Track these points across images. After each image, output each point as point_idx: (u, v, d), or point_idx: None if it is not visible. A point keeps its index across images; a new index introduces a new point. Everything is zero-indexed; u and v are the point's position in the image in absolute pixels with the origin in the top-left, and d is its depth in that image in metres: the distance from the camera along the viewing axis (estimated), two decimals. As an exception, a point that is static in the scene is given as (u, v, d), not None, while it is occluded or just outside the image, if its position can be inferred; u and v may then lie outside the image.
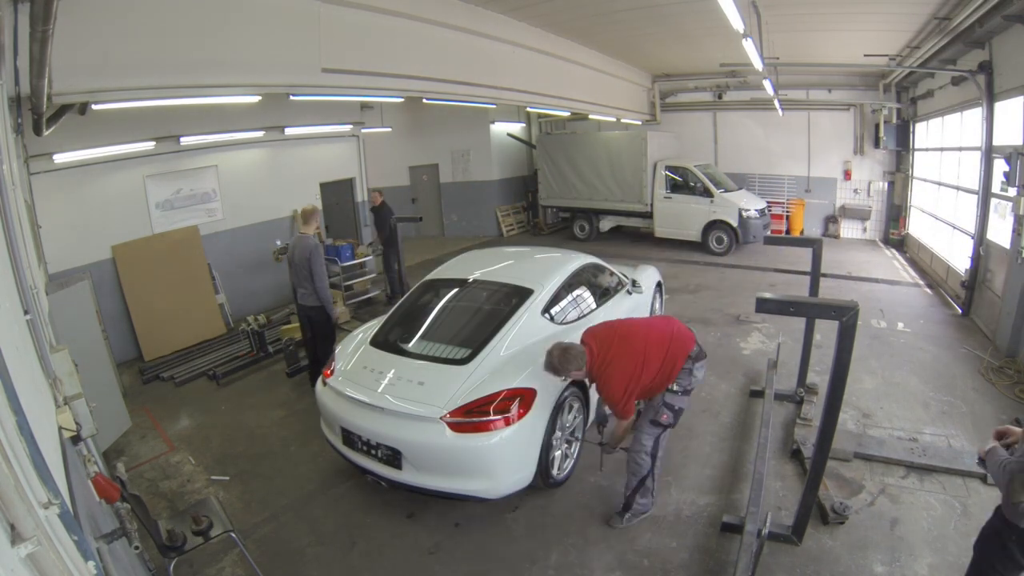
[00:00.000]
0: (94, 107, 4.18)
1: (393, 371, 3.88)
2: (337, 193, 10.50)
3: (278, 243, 8.75)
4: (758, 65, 6.80)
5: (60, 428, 2.10)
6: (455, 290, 4.74)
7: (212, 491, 4.29)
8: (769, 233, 11.09)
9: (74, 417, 2.28)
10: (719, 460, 4.30)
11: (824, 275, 6.00)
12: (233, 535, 3.09)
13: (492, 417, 3.45)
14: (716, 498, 3.85)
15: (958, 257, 7.91)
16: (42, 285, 4.13)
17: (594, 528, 3.63)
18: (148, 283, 7.21)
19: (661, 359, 3.40)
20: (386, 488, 4.19)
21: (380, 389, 3.75)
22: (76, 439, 2.31)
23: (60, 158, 6.16)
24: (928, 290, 8.57)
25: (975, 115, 7.24)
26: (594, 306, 4.91)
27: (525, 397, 3.57)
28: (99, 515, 2.27)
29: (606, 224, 13.28)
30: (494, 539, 3.60)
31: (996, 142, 6.66)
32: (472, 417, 3.45)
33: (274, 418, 5.44)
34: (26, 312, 2.18)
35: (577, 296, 4.82)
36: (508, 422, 3.46)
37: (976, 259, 6.99)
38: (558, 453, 3.97)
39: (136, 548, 2.39)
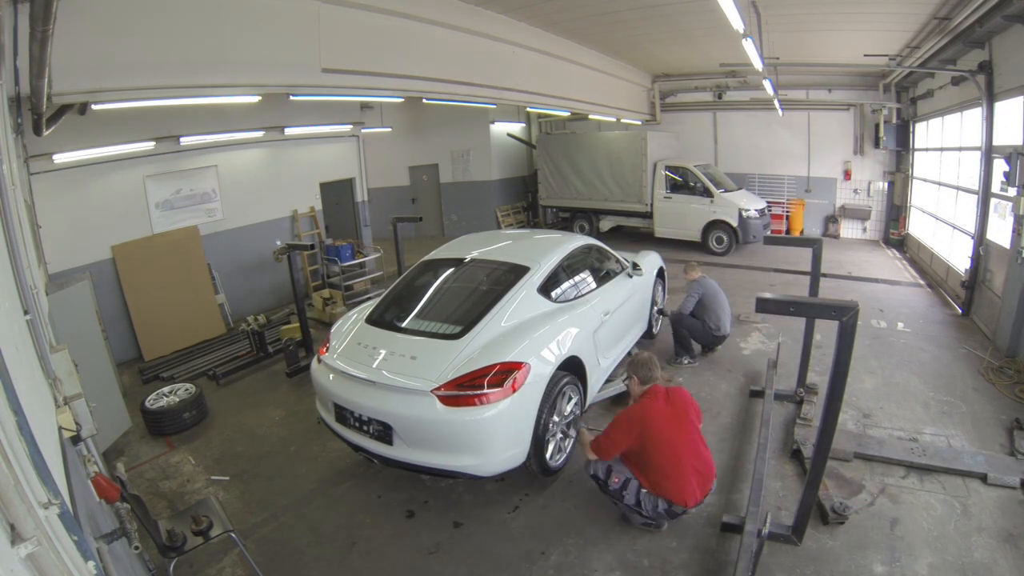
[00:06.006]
0: (94, 107, 4.18)
1: (387, 347, 3.89)
2: (337, 193, 10.50)
3: (278, 243, 8.75)
4: (758, 65, 6.80)
5: (60, 428, 2.10)
6: (452, 269, 4.77)
7: (212, 491, 4.29)
8: (769, 233, 11.09)
9: (74, 417, 2.29)
10: (719, 460, 4.28)
11: (824, 275, 6.01)
12: (233, 535, 3.09)
13: (483, 390, 3.44)
14: (716, 498, 3.84)
15: (958, 257, 7.91)
16: (42, 285, 4.13)
17: (594, 528, 3.62)
18: (148, 283, 7.21)
19: (666, 462, 3.29)
20: (378, 467, 4.20)
21: (374, 364, 3.76)
22: (76, 439, 2.31)
23: (60, 158, 6.16)
24: (928, 290, 8.57)
25: (975, 115, 7.23)
26: (593, 286, 4.94)
27: (518, 372, 3.56)
28: (99, 515, 2.27)
29: (606, 224, 13.29)
30: (494, 539, 3.60)
31: (996, 142, 6.66)
32: (463, 391, 3.45)
33: (274, 418, 5.44)
34: (26, 312, 2.18)
35: (576, 276, 4.85)
36: (500, 396, 3.46)
37: (976, 259, 6.98)
38: (554, 440, 3.97)
39: (136, 548, 2.39)
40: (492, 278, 4.48)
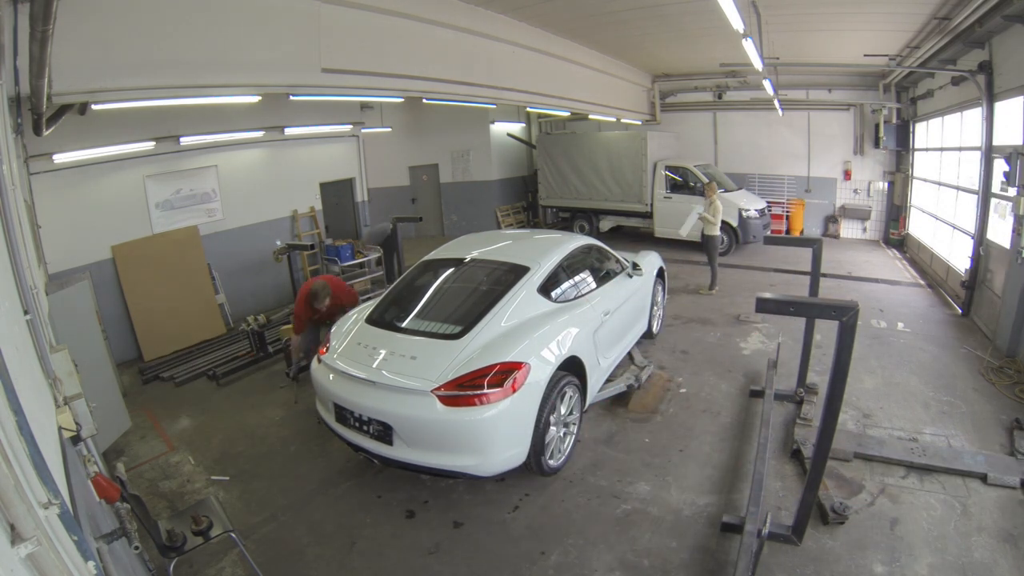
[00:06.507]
0: (94, 107, 4.18)
1: (387, 347, 3.90)
2: (337, 193, 10.50)
3: (278, 243, 8.75)
4: (758, 65, 6.80)
5: (60, 428, 2.10)
6: (452, 269, 4.77)
7: (212, 491, 4.29)
8: (769, 233, 11.09)
9: (74, 417, 2.29)
10: (719, 460, 4.30)
11: (824, 275, 6.02)
12: (233, 535, 3.09)
13: (483, 391, 3.44)
14: (716, 498, 3.84)
15: (958, 257, 7.91)
16: (42, 285, 4.13)
17: (594, 528, 3.62)
18: (148, 283, 7.21)
19: None
20: (378, 467, 4.20)
21: (374, 364, 3.77)
22: (76, 439, 2.31)
23: (60, 158, 6.16)
24: (928, 290, 8.57)
25: (975, 115, 7.23)
26: (593, 286, 4.95)
27: (518, 372, 3.57)
28: (99, 515, 2.27)
29: (606, 224, 13.28)
30: (494, 539, 3.60)
31: (996, 142, 6.66)
32: (463, 391, 3.46)
33: (274, 418, 5.44)
34: (26, 312, 2.18)
35: (576, 276, 4.85)
36: (500, 396, 3.47)
37: (976, 259, 6.98)
38: (553, 437, 3.97)
39: (136, 548, 2.39)
40: (492, 278, 4.48)
